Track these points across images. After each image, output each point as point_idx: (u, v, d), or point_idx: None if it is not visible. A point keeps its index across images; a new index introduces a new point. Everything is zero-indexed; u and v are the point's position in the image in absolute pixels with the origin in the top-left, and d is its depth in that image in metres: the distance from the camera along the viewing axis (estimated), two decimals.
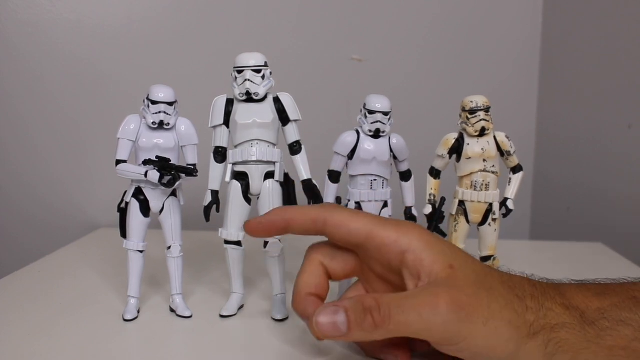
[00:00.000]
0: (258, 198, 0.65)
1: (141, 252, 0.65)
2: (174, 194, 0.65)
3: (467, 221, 0.69)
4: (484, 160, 0.67)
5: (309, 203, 0.65)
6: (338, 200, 0.67)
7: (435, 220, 0.68)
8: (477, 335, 0.40)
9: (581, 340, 0.40)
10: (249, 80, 0.61)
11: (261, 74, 0.62)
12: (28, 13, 1.06)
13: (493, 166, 0.68)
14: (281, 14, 1.10)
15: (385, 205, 0.68)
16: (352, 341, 0.52)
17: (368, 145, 0.65)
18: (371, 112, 0.64)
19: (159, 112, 0.62)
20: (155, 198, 0.64)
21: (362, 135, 0.65)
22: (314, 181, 0.65)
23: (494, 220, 0.69)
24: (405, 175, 0.69)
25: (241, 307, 0.67)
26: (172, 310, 0.65)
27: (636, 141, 0.94)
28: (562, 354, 0.40)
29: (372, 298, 0.41)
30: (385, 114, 0.64)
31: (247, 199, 0.64)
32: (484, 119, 0.66)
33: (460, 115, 0.68)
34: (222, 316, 0.64)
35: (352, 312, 0.41)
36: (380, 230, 0.46)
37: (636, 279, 0.46)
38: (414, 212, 0.69)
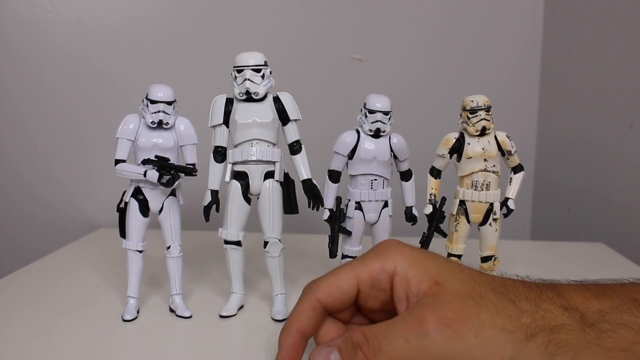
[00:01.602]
0: (258, 198, 0.64)
1: (140, 252, 0.64)
2: (173, 193, 0.65)
3: (468, 221, 0.69)
4: (485, 160, 0.67)
5: (309, 203, 0.64)
6: (338, 200, 0.67)
7: (436, 220, 0.68)
8: (470, 349, 0.39)
9: (581, 341, 0.40)
10: (248, 79, 0.61)
11: (261, 74, 0.62)
12: (28, 13, 1.06)
13: (494, 166, 0.67)
14: (281, 14, 1.10)
15: (386, 205, 0.68)
16: None
17: (368, 144, 0.65)
18: (371, 112, 0.64)
19: (158, 112, 0.62)
20: (154, 198, 0.64)
21: (362, 134, 0.65)
22: (314, 181, 0.65)
23: (494, 220, 0.69)
24: (406, 175, 0.69)
25: (241, 307, 0.66)
26: (172, 311, 0.65)
27: (637, 141, 0.94)
28: (562, 354, 0.40)
29: (360, 332, 0.41)
30: (386, 113, 0.64)
31: (247, 199, 0.64)
32: (484, 119, 0.66)
33: (461, 115, 0.68)
34: (221, 316, 0.64)
35: (344, 349, 0.41)
36: (364, 269, 0.45)
37: (637, 280, 0.46)
38: (414, 212, 0.69)
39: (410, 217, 0.69)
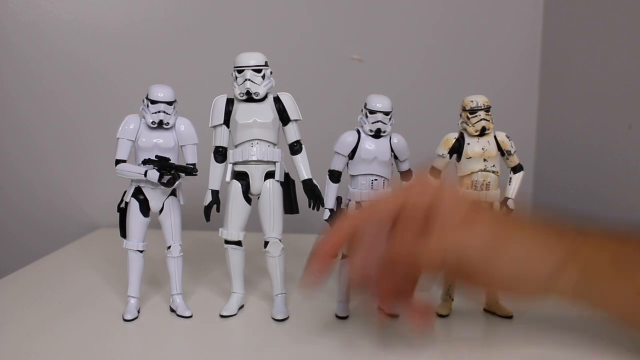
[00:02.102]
0: (258, 198, 0.64)
1: (141, 252, 0.64)
2: (173, 193, 0.65)
3: None
4: (485, 160, 0.67)
5: (309, 203, 0.65)
6: (339, 200, 0.67)
7: None
8: (507, 266, 0.45)
9: (612, 277, 0.45)
10: (249, 80, 0.61)
11: (261, 74, 0.62)
12: (28, 13, 1.06)
13: (493, 166, 0.68)
14: (282, 14, 1.10)
15: None
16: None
17: (369, 145, 0.65)
18: (372, 112, 0.64)
19: (159, 112, 0.62)
20: (155, 198, 0.64)
21: (362, 135, 0.65)
22: (315, 181, 0.65)
23: None
24: (406, 175, 0.69)
25: (241, 307, 0.66)
26: (172, 310, 0.65)
27: (637, 141, 0.94)
28: (592, 289, 0.45)
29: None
30: (386, 113, 0.64)
31: (248, 199, 0.64)
32: (484, 119, 0.66)
33: (461, 115, 0.68)
34: (222, 316, 0.64)
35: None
36: (402, 200, 0.49)
37: None
38: None
39: None
